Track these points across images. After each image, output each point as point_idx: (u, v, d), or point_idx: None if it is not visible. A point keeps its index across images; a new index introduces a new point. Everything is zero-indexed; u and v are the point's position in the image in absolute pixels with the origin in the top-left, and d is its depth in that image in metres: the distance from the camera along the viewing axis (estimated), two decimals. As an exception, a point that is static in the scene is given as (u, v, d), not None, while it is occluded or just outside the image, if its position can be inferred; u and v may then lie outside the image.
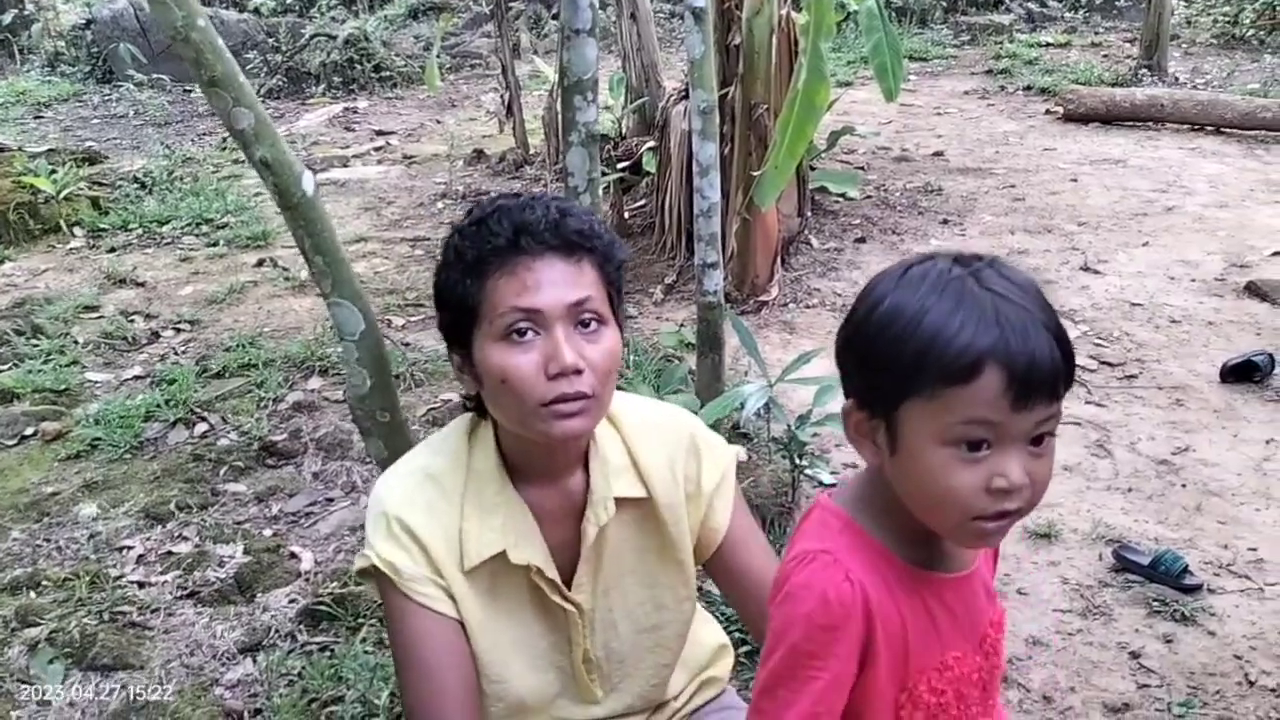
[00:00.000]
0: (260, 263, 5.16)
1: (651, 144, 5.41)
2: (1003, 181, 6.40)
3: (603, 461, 1.41)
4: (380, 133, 8.34)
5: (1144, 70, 8.71)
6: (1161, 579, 2.73)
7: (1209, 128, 7.30)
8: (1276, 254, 5.04)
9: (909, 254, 4.34)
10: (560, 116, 1.94)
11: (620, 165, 5.63)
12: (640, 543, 1.44)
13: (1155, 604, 2.65)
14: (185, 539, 2.90)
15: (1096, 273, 4.91)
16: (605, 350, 1.29)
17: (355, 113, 9.17)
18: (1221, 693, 2.37)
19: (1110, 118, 7.60)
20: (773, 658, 1.03)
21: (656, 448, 1.44)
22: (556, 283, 1.26)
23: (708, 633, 1.63)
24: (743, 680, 2.07)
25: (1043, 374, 0.93)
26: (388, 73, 10.31)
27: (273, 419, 3.57)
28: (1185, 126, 7.39)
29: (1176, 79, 8.81)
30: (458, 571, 1.34)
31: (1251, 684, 2.40)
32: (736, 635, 1.96)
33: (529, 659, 1.41)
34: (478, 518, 1.35)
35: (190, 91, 10.11)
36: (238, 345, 4.12)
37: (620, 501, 1.41)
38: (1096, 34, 11.41)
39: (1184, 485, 3.19)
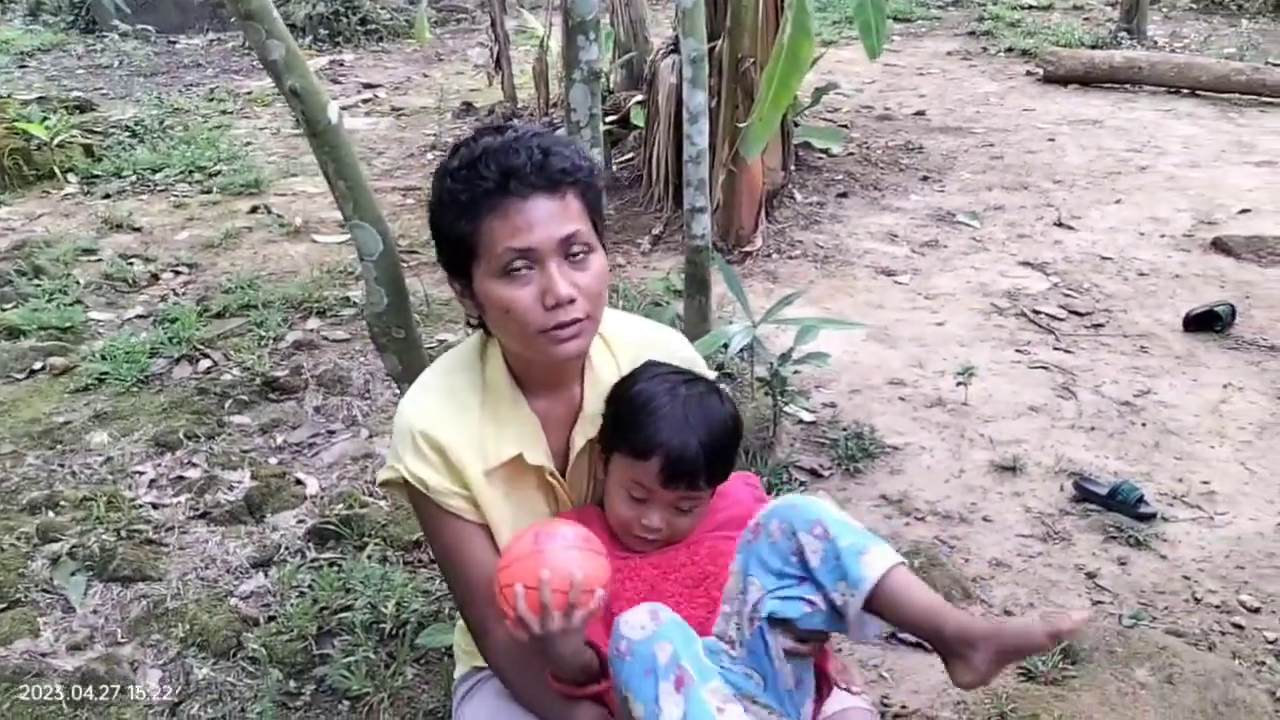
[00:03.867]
0: (254, 209, 5.26)
1: (639, 98, 5.52)
2: (982, 140, 6.54)
3: (596, 380, 1.56)
4: (367, 85, 8.38)
5: (1124, 33, 8.83)
6: (1118, 508, 2.91)
7: (1185, 90, 7.44)
8: (1244, 212, 5.21)
9: (889, 208, 4.44)
10: (563, 56, 2.05)
11: (608, 119, 5.73)
12: None
13: (1112, 530, 2.84)
14: (194, 465, 3.04)
15: (1070, 228, 5.07)
16: (594, 275, 1.43)
17: (342, 65, 9.19)
18: (1170, 609, 2.56)
19: (1089, 79, 7.73)
20: None
21: None
22: (546, 221, 1.38)
23: None
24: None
25: (685, 470, 1.43)
26: (374, 26, 10.30)
27: (273, 356, 3.69)
28: (1162, 89, 7.53)
29: (1155, 42, 8.94)
30: (480, 475, 1.50)
31: (1198, 601, 2.59)
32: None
33: None
34: (495, 426, 1.51)
35: (175, 43, 10.10)
36: (236, 287, 4.23)
37: None
38: (1079, -3, 11.49)
39: (1144, 424, 3.37)
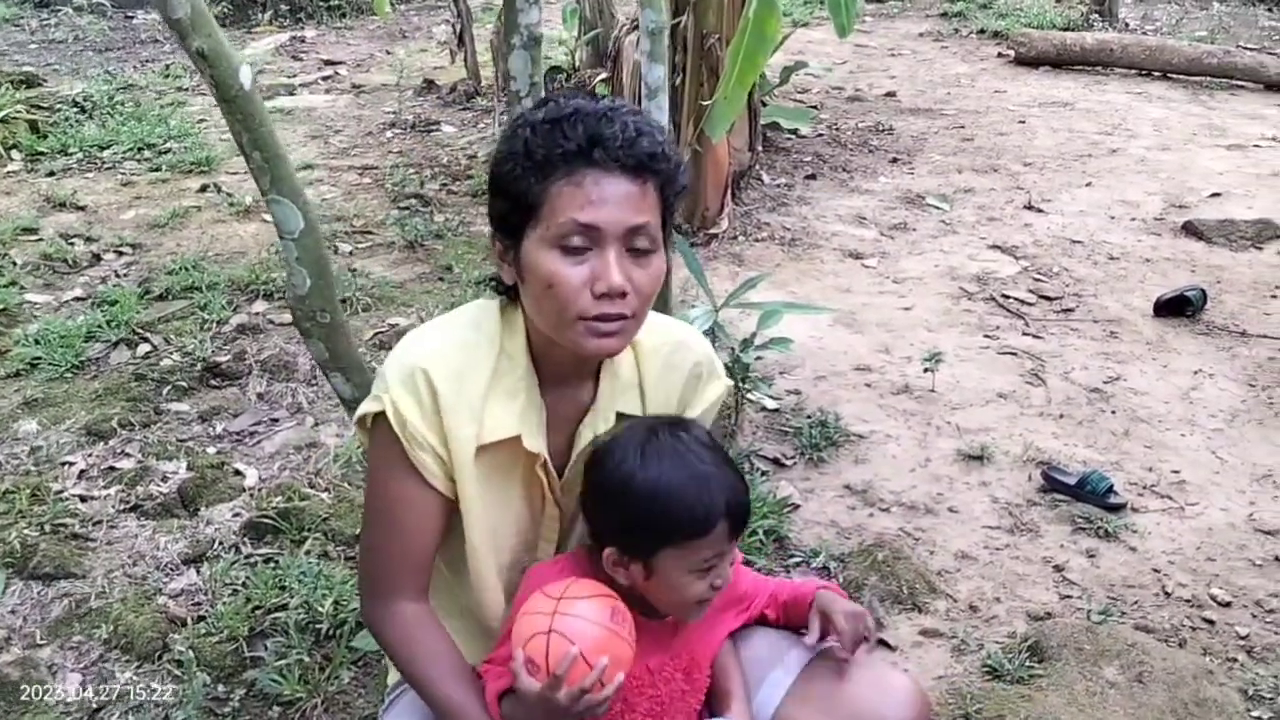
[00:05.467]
0: (204, 188, 5.07)
1: (604, 75, 5.38)
2: (953, 122, 6.45)
3: (614, 376, 1.44)
4: (329, 62, 8.17)
5: (1095, 15, 8.77)
6: (1087, 498, 2.82)
7: (1156, 73, 7.39)
8: (1215, 195, 5.16)
9: (858, 190, 4.33)
10: (503, 21, 1.93)
11: (572, 97, 5.59)
12: None
13: (1080, 521, 2.75)
14: (128, 455, 2.89)
15: (1040, 211, 4.99)
16: (652, 275, 1.31)
17: (303, 42, 8.97)
18: (1139, 603, 2.48)
19: (1060, 61, 7.66)
20: None
21: (665, 370, 1.48)
22: (620, 203, 1.26)
23: None
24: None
25: (745, 510, 1.38)
26: (336, 2, 10.08)
27: (216, 340, 3.54)
28: (1133, 71, 7.48)
29: (1127, 24, 8.89)
30: (470, 446, 1.35)
31: (1168, 595, 2.51)
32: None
33: (493, 545, 1.44)
34: (502, 399, 1.36)
35: (131, 18, 9.83)
36: (181, 269, 4.06)
37: (620, 416, 1.44)
38: (1051, -21, 11.42)
39: (1114, 412, 3.29)
